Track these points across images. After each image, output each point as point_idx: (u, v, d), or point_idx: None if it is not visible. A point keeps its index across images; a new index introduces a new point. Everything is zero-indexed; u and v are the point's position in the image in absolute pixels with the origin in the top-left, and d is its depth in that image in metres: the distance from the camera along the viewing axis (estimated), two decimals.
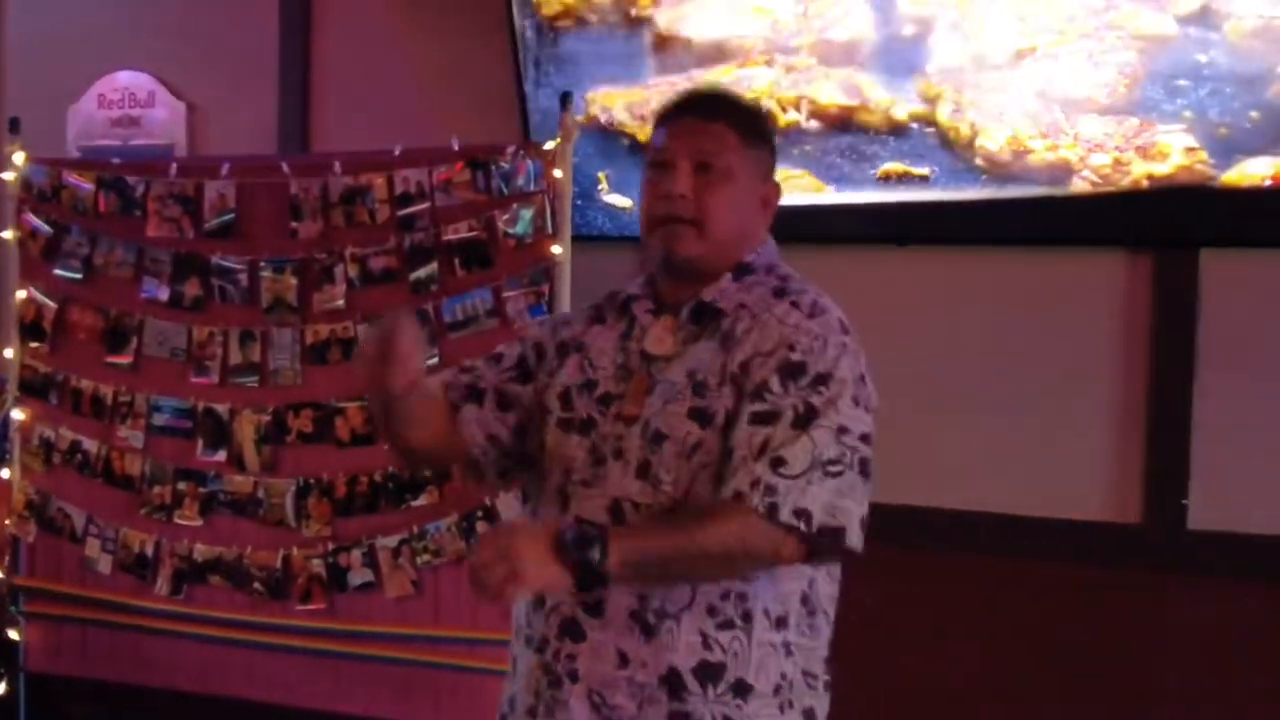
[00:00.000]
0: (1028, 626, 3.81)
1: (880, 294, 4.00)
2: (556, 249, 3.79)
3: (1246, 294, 3.66)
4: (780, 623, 2.00)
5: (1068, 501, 3.78)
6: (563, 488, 2.09)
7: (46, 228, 4.43)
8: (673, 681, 1.97)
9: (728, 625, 1.97)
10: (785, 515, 1.91)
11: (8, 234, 4.54)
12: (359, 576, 4.02)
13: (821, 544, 1.94)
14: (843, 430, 1.96)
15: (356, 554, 4.02)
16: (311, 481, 4.09)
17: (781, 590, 2.01)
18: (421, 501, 3.94)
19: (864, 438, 1.99)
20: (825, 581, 2.07)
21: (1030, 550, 3.80)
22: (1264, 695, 3.61)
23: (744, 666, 1.98)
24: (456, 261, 3.88)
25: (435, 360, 3.90)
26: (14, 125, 4.52)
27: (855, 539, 1.96)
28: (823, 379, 1.97)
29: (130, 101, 5.10)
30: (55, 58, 5.24)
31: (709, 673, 1.97)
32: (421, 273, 3.94)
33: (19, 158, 4.47)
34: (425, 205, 3.94)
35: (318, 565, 4.07)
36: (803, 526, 1.91)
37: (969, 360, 3.88)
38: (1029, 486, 3.81)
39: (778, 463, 1.92)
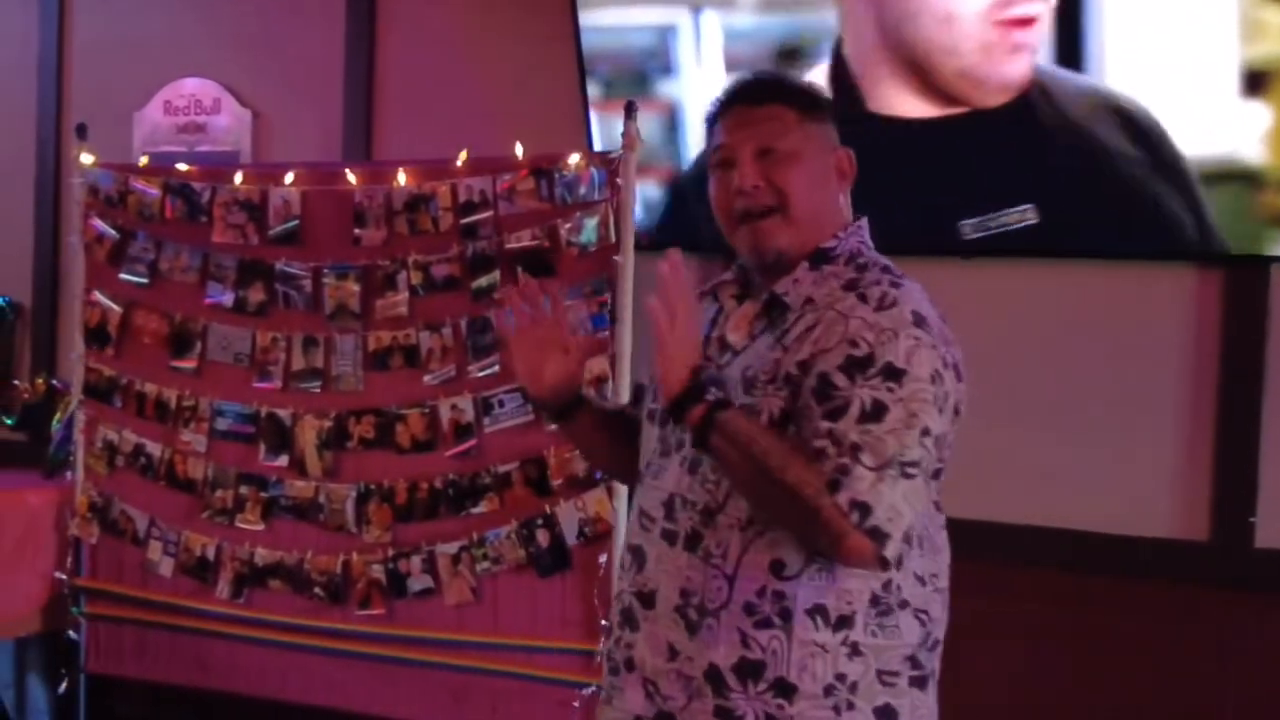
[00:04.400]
0: (1091, 642, 3.77)
1: (945, 307, 3.97)
2: (619, 258, 3.78)
3: None
4: (843, 622, 1.95)
5: (1134, 518, 3.74)
6: (641, 477, 2.13)
7: (113, 233, 4.47)
8: (714, 678, 1.97)
9: (765, 624, 1.95)
10: (842, 498, 1.84)
11: (74, 238, 4.59)
12: (418, 583, 4.02)
13: (873, 543, 1.87)
14: (925, 432, 1.90)
15: (416, 560, 4.02)
16: (372, 487, 4.10)
17: (844, 587, 1.96)
18: (481, 509, 3.94)
19: (939, 441, 1.93)
20: (915, 585, 2.01)
21: (1095, 566, 3.76)
22: None
23: (784, 665, 1.95)
24: (519, 270, 3.89)
25: (496, 369, 3.92)
26: (81, 131, 4.58)
27: (893, 550, 1.89)
28: (894, 373, 1.89)
29: (196, 108, 5.14)
30: (122, 64, 5.29)
31: (748, 670, 1.95)
32: (483, 281, 3.94)
33: (86, 162, 4.52)
34: (488, 213, 3.93)
35: (377, 571, 4.07)
36: (854, 517, 1.85)
37: (1035, 375, 3.84)
38: (1095, 502, 3.77)
39: (856, 450, 1.86)
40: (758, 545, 1.96)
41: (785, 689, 1.94)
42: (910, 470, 1.88)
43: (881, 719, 1.98)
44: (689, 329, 1.94)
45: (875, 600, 1.97)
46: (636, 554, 2.08)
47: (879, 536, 1.86)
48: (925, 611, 2.02)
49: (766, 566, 1.95)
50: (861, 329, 1.93)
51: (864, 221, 2.13)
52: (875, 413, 1.87)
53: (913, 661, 2.01)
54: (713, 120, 2.13)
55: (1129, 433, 3.76)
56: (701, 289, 2.23)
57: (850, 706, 1.95)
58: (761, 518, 1.96)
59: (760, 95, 2.09)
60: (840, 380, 1.90)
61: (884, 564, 1.89)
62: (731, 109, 2.10)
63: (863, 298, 1.97)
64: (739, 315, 2.10)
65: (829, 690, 1.94)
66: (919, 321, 1.95)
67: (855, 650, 1.96)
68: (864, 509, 1.84)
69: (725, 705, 1.96)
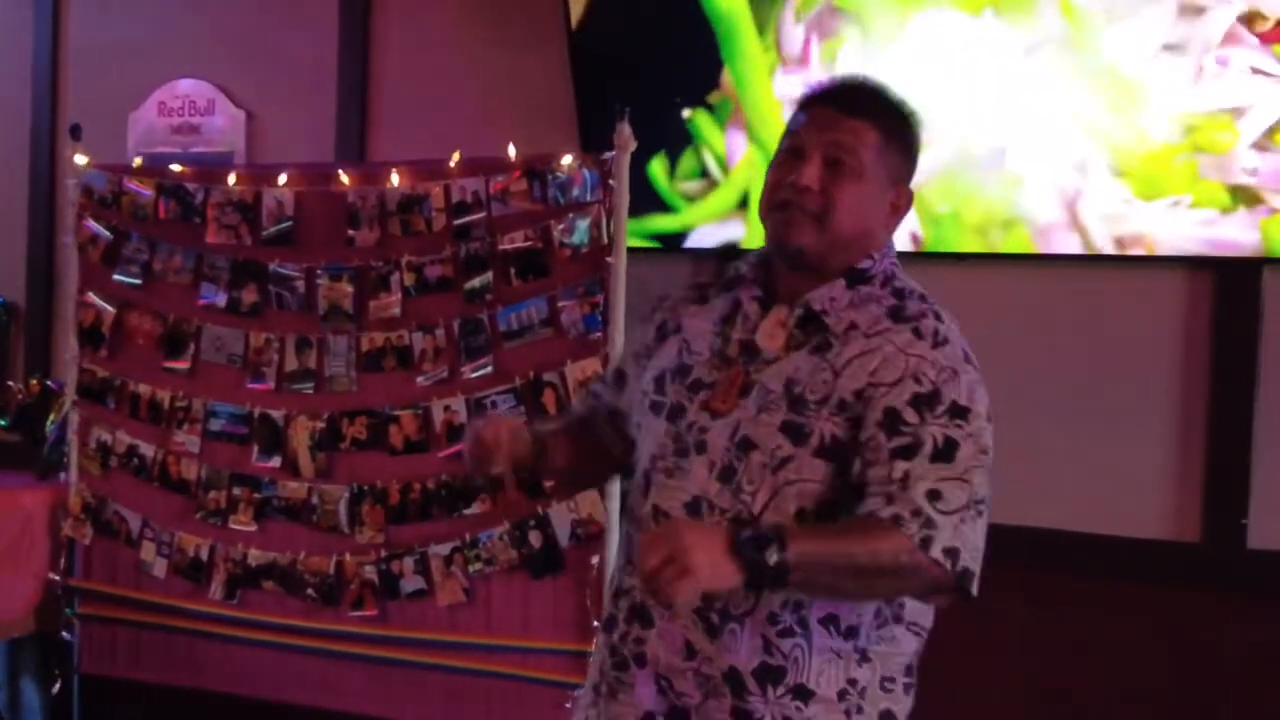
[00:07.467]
0: (1083, 644, 3.78)
1: None
2: (612, 259, 3.78)
3: None
4: (851, 632, 1.99)
5: (1126, 519, 3.74)
6: (648, 473, 2.11)
7: (107, 233, 4.47)
8: (734, 680, 1.99)
9: (788, 632, 1.98)
10: (936, 551, 1.87)
11: (69, 239, 4.59)
12: (411, 584, 4.02)
13: (960, 585, 1.91)
14: (988, 467, 1.94)
15: (409, 561, 4.02)
16: (365, 488, 4.09)
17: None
18: (474, 510, 3.94)
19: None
20: (913, 601, 2.04)
21: (1087, 568, 3.77)
22: None
23: (803, 672, 1.98)
24: (512, 271, 3.88)
25: (489, 370, 3.92)
26: (75, 132, 4.56)
27: (976, 586, 1.93)
28: (961, 411, 1.93)
29: (190, 109, 5.14)
30: (116, 65, 5.30)
31: (769, 675, 1.98)
32: (476, 282, 3.93)
33: (80, 163, 4.51)
34: (481, 215, 3.93)
35: (370, 572, 4.07)
36: (948, 565, 1.88)
37: (1027, 377, 3.85)
38: (1087, 504, 3.78)
39: (934, 496, 1.88)
40: None
41: (803, 693, 1.98)
42: (982, 508, 1.93)
43: None
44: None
45: (878, 613, 2.01)
46: None
47: (967, 577, 1.90)
48: (917, 624, 2.07)
49: None
50: (923, 366, 1.95)
51: (892, 244, 2.14)
52: (948, 450, 1.91)
53: (908, 669, 2.07)
54: (802, 108, 2.11)
55: (1121, 434, 3.76)
56: (703, 282, 2.25)
57: (859, 710, 2.01)
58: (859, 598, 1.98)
59: (854, 106, 2.06)
60: (910, 416, 1.92)
61: (968, 598, 1.94)
62: (823, 107, 2.07)
63: (917, 332, 1.99)
64: (771, 321, 2.08)
65: (842, 695, 1.99)
66: (969, 359, 2.00)
67: (864, 657, 2.01)
68: (954, 554, 1.88)
69: (743, 707, 1.99)
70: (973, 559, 1.90)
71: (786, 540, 1.82)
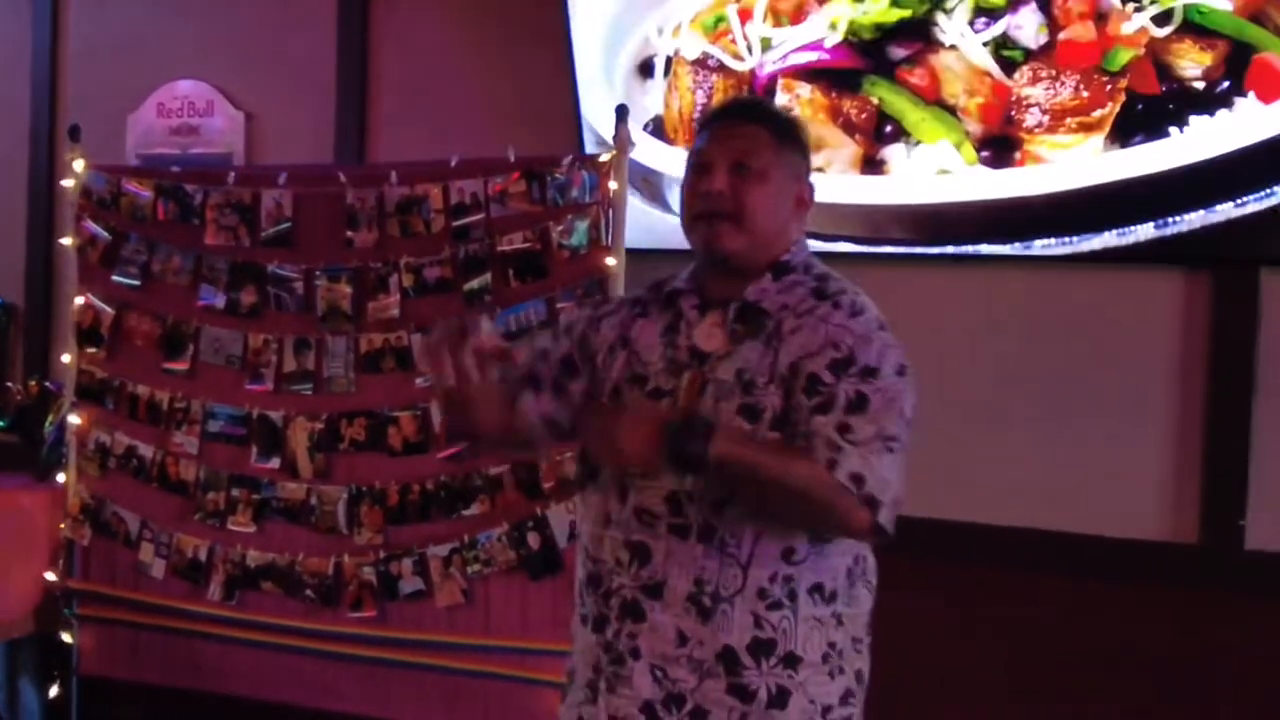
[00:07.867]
0: (1081, 645, 3.77)
1: (936, 309, 3.98)
2: (610, 260, 3.79)
3: None
4: (831, 596, 2.18)
5: (1124, 520, 3.74)
6: (620, 479, 2.22)
7: (105, 234, 4.47)
8: (728, 658, 2.13)
9: (776, 606, 2.14)
10: (842, 474, 2.03)
11: (67, 240, 4.59)
12: (410, 585, 4.03)
13: (873, 513, 2.05)
14: (901, 413, 2.11)
15: (407, 562, 4.02)
16: (364, 489, 4.10)
17: (832, 565, 2.18)
18: (473, 511, 3.94)
19: (909, 424, 2.14)
20: (870, 555, 2.25)
21: (1085, 569, 3.76)
22: None
23: (792, 641, 2.14)
24: (511, 272, 3.89)
25: None
26: (74, 133, 4.57)
27: (887, 519, 2.07)
28: (871, 371, 2.11)
29: (189, 110, 5.14)
30: (115, 66, 5.30)
31: (761, 648, 2.13)
32: (475, 283, 3.94)
33: (79, 165, 4.52)
34: (480, 216, 3.94)
35: (369, 573, 4.08)
36: (853, 489, 2.03)
37: (1026, 378, 3.85)
38: (1085, 505, 3.77)
39: (842, 429, 2.06)
40: (769, 533, 2.14)
41: (793, 661, 2.14)
42: (891, 444, 2.09)
43: (857, 681, 2.23)
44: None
45: (850, 574, 2.21)
46: (638, 550, 2.18)
47: (873, 504, 2.05)
48: (870, 580, 2.26)
49: (778, 554, 2.14)
50: (840, 334, 2.15)
51: (804, 237, 2.33)
52: (859, 403, 2.09)
53: (868, 627, 2.26)
54: (703, 128, 2.32)
55: (1119, 435, 3.76)
56: (637, 296, 2.39)
57: (841, 671, 2.19)
58: (774, 522, 2.13)
59: (745, 115, 2.31)
60: (828, 377, 2.11)
61: (880, 531, 2.08)
62: (718, 122, 2.29)
63: (836, 304, 2.20)
64: (708, 324, 2.25)
65: (825, 658, 2.17)
66: (883, 326, 2.20)
67: (839, 620, 2.20)
68: (859, 480, 2.05)
69: (739, 682, 2.14)
70: (881, 489, 2.05)
71: (714, 438, 2.02)
